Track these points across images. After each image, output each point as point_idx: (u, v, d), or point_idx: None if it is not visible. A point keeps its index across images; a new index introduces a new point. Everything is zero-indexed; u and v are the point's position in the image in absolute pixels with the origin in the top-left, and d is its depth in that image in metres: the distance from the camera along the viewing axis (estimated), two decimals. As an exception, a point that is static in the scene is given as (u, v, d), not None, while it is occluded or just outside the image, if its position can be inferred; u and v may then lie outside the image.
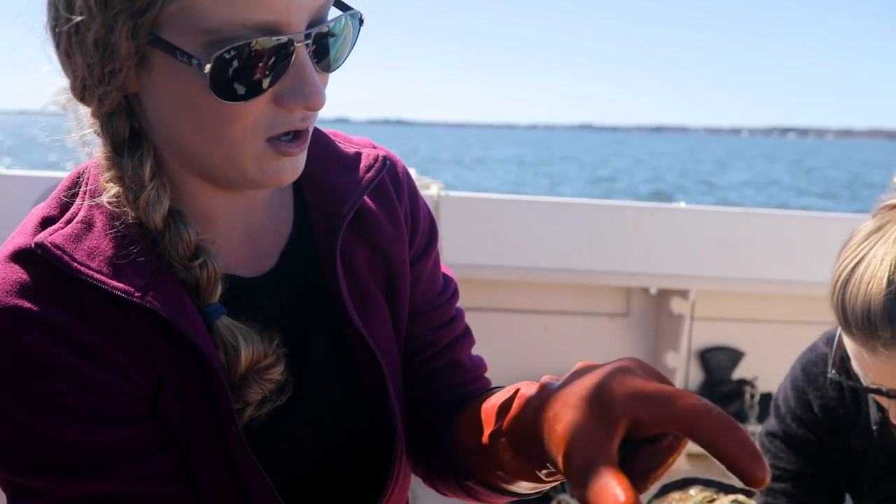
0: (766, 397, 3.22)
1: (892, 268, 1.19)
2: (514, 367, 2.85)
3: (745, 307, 3.28)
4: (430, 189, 3.06)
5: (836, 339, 1.37)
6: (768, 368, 2.66)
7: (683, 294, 3.13)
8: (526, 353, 3.20)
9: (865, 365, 1.25)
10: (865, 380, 1.27)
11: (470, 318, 1.14)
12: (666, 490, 0.63)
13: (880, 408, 1.38)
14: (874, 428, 1.40)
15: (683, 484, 0.63)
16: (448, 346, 1.07)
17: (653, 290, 3.24)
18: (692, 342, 3.28)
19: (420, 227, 1.05)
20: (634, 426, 0.65)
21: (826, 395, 1.47)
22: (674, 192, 29.97)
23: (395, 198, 1.02)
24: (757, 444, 0.61)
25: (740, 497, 0.60)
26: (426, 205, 1.08)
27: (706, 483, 0.62)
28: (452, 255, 2.87)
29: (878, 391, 1.25)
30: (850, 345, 1.27)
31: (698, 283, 3.13)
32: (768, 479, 0.61)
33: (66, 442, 0.80)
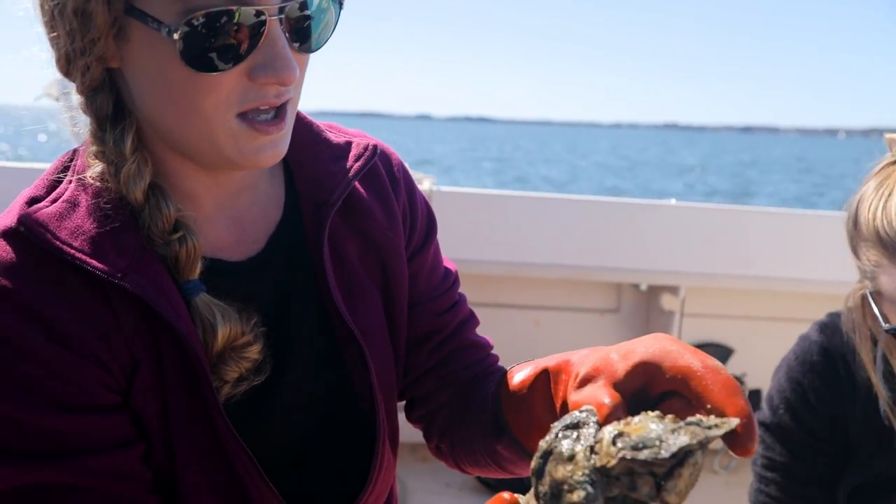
0: (754, 394, 3.23)
1: None
2: (505, 361, 2.85)
3: (734, 304, 3.30)
4: (422, 184, 3.06)
5: (870, 297, 1.36)
6: (757, 365, 2.68)
7: (673, 290, 3.14)
8: (517, 347, 3.20)
9: None
10: None
11: None
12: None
13: (892, 387, 1.40)
14: (885, 408, 1.42)
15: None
16: (456, 329, 1.09)
17: (643, 287, 3.25)
18: (682, 338, 3.29)
19: (419, 222, 1.07)
20: (649, 371, 0.69)
21: (822, 384, 1.49)
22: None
23: (391, 191, 1.03)
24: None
25: (651, 413, 0.65)
26: (423, 198, 1.10)
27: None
28: (444, 250, 2.86)
29: None
30: (891, 284, 1.28)
31: (688, 280, 3.14)
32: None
33: (26, 427, 0.79)
